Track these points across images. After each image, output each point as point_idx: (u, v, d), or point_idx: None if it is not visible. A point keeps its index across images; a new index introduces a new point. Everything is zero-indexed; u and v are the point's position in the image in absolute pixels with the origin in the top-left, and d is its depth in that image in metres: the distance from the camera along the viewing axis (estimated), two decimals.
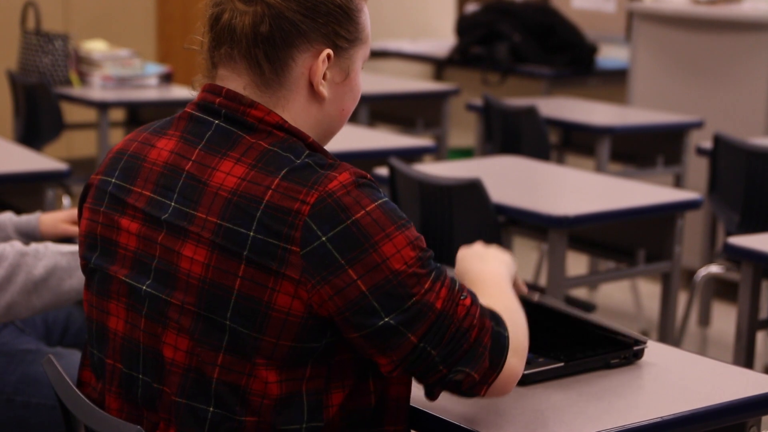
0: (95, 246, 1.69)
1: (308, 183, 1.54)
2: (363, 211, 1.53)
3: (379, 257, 1.52)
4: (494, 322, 1.61)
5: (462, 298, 1.58)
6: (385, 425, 1.65)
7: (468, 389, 1.60)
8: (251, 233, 1.53)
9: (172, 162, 1.63)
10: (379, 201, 1.56)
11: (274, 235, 1.52)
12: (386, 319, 1.53)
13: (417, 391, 1.71)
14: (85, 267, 1.71)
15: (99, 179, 1.70)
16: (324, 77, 1.64)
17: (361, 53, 1.69)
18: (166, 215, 1.60)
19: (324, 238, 1.52)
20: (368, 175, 1.59)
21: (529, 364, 1.81)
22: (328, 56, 1.63)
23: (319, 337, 1.56)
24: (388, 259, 1.53)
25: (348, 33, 1.64)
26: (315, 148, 1.62)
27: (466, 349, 1.57)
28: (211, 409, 1.57)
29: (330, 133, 1.71)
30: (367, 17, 1.69)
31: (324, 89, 1.64)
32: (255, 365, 1.55)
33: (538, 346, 1.84)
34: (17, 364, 2.33)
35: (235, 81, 1.64)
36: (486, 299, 1.65)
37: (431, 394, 1.63)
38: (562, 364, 1.83)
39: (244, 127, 1.61)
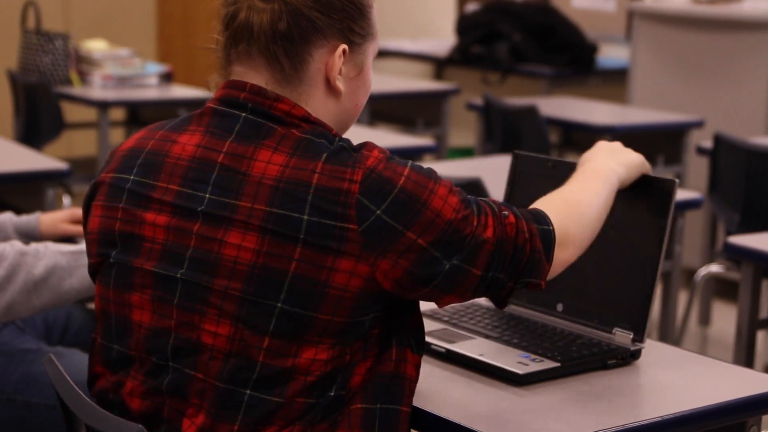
0: (113, 242, 1.70)
1: (349, 163, 1.60)
2: (403, 177, 1.60)
3: (432, 213, 1.60)
4: (536, 222, 1.71)
5: (505, 216, 1.67)
6: (402, 405, 1.66)
7: (533, 289, 1.73)
8: (305, 216, 1.57)
9: (200, 156, 1.65)
10: (408, 165, 1.63)
11: (328, 216, 1.57)
12: (452, 262, 1.61)
13: (419, 394, 1.71)
14: (102, 263, 1.72)
15: (112, 177, 1.72)
16: (339, 72, 1.68)
17: (372, 48, 1.74)
18: (203, 207, 1.62)
19: (379, 211, 1.58)
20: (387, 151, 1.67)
21: (525, 365, 1.81)
22: (344, 51, 1.67)
23: (369, 311, 1.61)
24: (440, 211, 1.60)
25: (361, 29, 1.69)
26: (337, 136, 1.67)
27: (525, 261, 1.68)
28: (248, 392, 1.59)
29: (346, 127, 1.76)
30: (376, 13, 1.73)
31: (340, 84, 1.69)
32: (305, 343, 1.58)
33: None
34: (17, 364, 2.33)
35: (255, 78, 1.67)
36: (567, 187, 1.84)
37: (502, 304, 1.76)
38: (558, 364, 1.84)
39: (273, 120, 1.65)
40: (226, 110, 1.67)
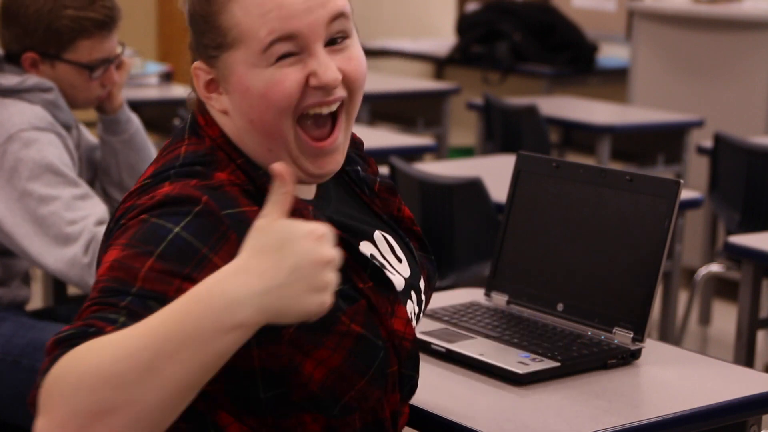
0: None
1: (149, 190, 1.47)
2: (137, 218, 1.42)
3: (103, 252, 1.43)
4: (51, 359, 1.23)
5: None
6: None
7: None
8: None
9: None
10: (155, 222, 1.41)
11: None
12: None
13: (419, 394, 1.71)
14: None
15: None
16: (216, 90, 1.54)
17: (239, 57, 1.49)
18: None
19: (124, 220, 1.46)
20: (196, 201, 1.43)
21: (525, 365, 1.81)
22: (201, 69, 1.53)
23: None
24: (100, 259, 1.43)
25: (211, 40, 1.51)
26: (242, 168, 1.52)
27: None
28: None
29: (266, 149, 1.53)
30: (236, 15, 1.47)
31: (216, 102, 1.54)
32: None
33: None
34: (27, 330, 2.39)
35: None
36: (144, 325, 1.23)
37: None
38: (558, 364, 1.84)
39: (192, 132, 1.56)
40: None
